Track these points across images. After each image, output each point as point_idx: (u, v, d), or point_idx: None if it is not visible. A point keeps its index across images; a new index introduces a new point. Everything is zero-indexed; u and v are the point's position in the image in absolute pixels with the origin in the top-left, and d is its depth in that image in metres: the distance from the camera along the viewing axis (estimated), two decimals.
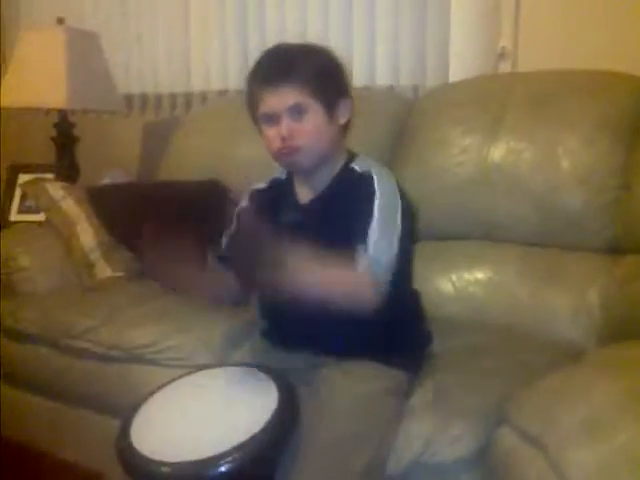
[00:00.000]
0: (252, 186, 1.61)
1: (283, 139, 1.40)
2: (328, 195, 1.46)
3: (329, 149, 1.44)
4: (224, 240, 1.60)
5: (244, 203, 1.60)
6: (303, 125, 1.39)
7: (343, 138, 1.49)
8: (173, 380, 1.43)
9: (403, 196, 1.42)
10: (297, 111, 1.39)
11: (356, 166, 1.45)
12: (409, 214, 1.41)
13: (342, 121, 1.45)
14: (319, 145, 1.42)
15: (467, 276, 1.94)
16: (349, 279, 1.34)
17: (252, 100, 1.44)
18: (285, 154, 1.42)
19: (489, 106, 2.00)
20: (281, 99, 1.39)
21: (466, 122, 2.02)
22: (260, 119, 1.44)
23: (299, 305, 1.32)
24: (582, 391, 1.19)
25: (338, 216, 1.41)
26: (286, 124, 1.39)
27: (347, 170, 1.46)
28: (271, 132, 1.41)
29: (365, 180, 1.40)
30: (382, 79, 2.51)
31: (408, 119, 2.19)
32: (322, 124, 1.41)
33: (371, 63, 2.52)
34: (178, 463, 1.19)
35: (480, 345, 1.67)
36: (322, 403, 1.35)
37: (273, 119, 1.41)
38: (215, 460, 1.17)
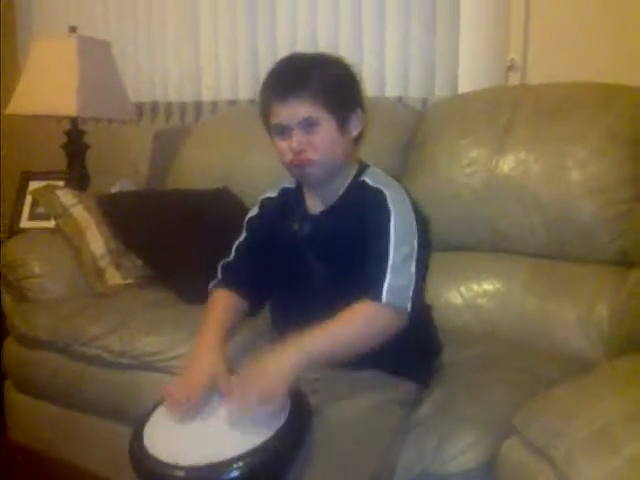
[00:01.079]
0: (262, 195, 1.62)
1: (295, 152, 1.40)
2: (339, 207, 1.47)
3: (341, 161, 1.44)
4: (234, 249, 1.61)
5: (254, 212, 1.61)
6: (315, 138, 1.39)
7: (355, 149, 1.49)
8: None
9: (415, 208, 1.42)
10: (309, 124, 1.39)
11: (368, 179, 1.45)
12: (423, 226, 1.42)
13: (354, 133, 1.45)
14: (331, 158, 1.42)
15: (476, 287, 1.94)
16: (376, 318, 1.34)
17: (264, 111, 1.45)
18: (297, 166, 1.42)
19: (498, 118, 2.01)
20: (292, 112, 1.39)
21: (475, 134, 2.02)
22: (272, 130, 1.44)
23: (312, 314, 1.34)
24: (591, 403, 1.19)
25: (349, 229, 1.41)
26: (297, 138, 1.39)
27: (358, 183, 1.46)
28: (283, 144, 1.42)
29: (379, 198, 1.40)
30: (391, 90, 2.51)
31: (417, 130, 2.20)
32: (334, 137, 1.41)
33: (380, 74, 2.52)
34: (191, 467, 1.19)
35: (489, 356, 1.67)
36: (330, 412, 1.34)
37: (285, 131, 1.41)
38: (228, 464, 1.17)
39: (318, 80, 1.39)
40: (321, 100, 1.38)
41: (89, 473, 1.46)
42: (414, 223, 1.40)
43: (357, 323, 1.34)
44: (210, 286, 1.60)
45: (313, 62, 1.44)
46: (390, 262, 1.34)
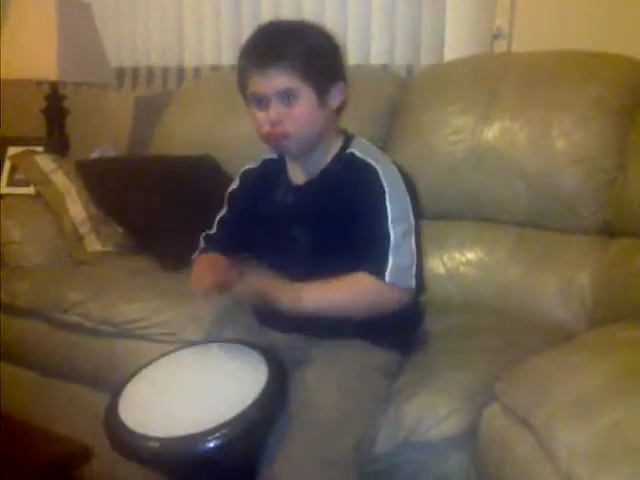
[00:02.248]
0: (243, 167, 1.60)
1: (272, 124, 1.37)
2: (325, 179, 1.45)
3: (320, 134, 1.42)
4: (216, 223, 1.60)
5: (235, 185, 1.60)
6: (293, 110, 1.36)
7: (336, 121, 1.47)
8: (162, 355, 1.43)
9: (405, 180, 1.41)
10: (287, 96, 1.35)
11: (356, 151, 1.43)
12: (414, 198, 1.41)
13: (334, 105, 1.42)
14: (309, 131, 1.39)
15: (458, 256, 1.94)
16: (376, 293, 1.35)
17: (241, 79, 1.40)
18: (274, 139, 1.40)
19: (483, 86, 1.99)
20: (271, 83, 1.35)
21: (460, 102, 2.01)
22: (249, 99, 1.41)
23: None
24: (572, 371, 1.20)
25: (338, 202, 1.40)
26: (275, 109, 1.36)
27: (346, 155, 1.44)
28: (260, 115, 1.38)
29: (370, 174, 1.39)
30: (376, 58, 2.49)
31: (402, 98, 2.18)
32: (314, 110, 1.38)
33: (366, 42, 2.50)
34: (166, 438, 1.18)
35: (471, 325, 1.68)
36: (311, 381, 1.35)
37: (262, 102, 1.37)
38: (204, 436, 1.17)
39: (298, 50, 1.35)
40: (300, 71, 1.34)
41: (70, 440, 1.45)
42: (408, 198, 1.39)
43: (357, 293, 1.36)
44: (193, 257, 1.59)
45: (294, 31, 1.40)
46: (392, 240, 1.34)
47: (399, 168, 1.43)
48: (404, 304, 1.37)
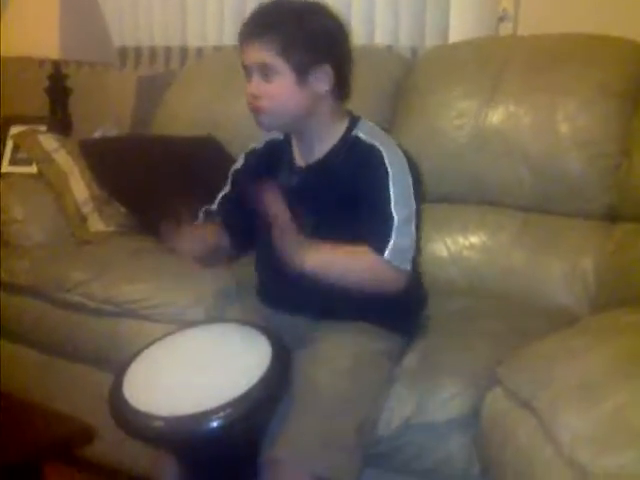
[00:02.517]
0: (248, 147, 1.59)
1: (252, 96, 1.39)
2: (329, 161, 1.44)
3: (301, 115, 1.41)
4: (217, 200, 1.59)
5: (239, 164, 1.59)
6: (270, 87, 1.37)
7: (335, 105, 1.45)
8: (166, 335, 1.43)
9: (409, 163, 1.41)
10: (265, 71, 1.36)
11: (361, 134, 1.43)
12: (417, 181, 1.41)
13: (320, 88, 1.40)
14: (284, 110, 1.39)
15: (462, 240, 1.94)
16: (376, 270, 1.35)
17: (239, 50, 1.42)
18: (253, 113, 1.41)
19: (488, 68, 1.98)
20: (250, 55, 1.38)
21: (464, 84, 2.00)
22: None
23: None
24: (575, 355, 1.20)
25: (343, 185, 1.40)
26: (255, 82, 1.38)
27: (351, 137, 1.43)
28: (247, 87, 1.40)
29: (375, 156, 1.38)
30: (381, 39, 2.47)
31: (406, 80, 2.16)
32: (290, 89, 1.37)
33: (370, 22, 2.47)
34: (171, 417, 1.19)
35: (474, 309, 1.68)
36: (315, 363, 1.35)
37: (248, 74, 1.40)
38: (208, 415, 1.17)
39: (283, 28, 1.36)
40: (279, 49, 1.35)
41: (72, 419, 1.45)
42: (411, 182, 1.39)
43: (356, 262, 1.36)
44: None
45: (290, 10, 1.39)
46: (395, 222, 1.34)
47: (404, 152, 1.43)
48: (400, 288, 1.36)
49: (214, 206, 1.60)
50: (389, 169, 1.36)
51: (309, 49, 1.37)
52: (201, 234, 1.49)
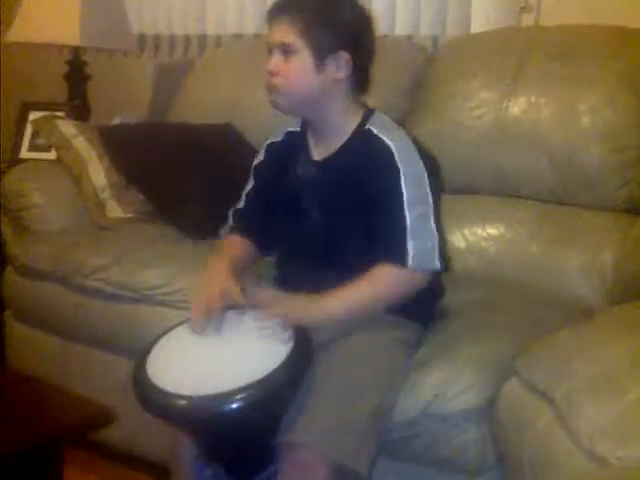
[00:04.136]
0: (267, 139, 1.60)
1: (269, 74, 1.40)
2: (343, 154, 1.44)
3: (313, 99, 1.41)
4: (243, 198, 1.60)
5: (261, 157, 1.60)
6: (288, 66, 1.38)
7: (351, 95, 1.45)
8: (189, 318, 1.42)
9: (424, 155, 1.40)
10: (285, 50, 1.38)
11: (373, 128, 1.42)
12: (433, 174, 1.41)
13: (337, 76, 1.40)
14: (297, 91, 1.40)
15: (480, 231, 1.93)
16: (399, 282, 1.36)
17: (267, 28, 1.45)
18: (268, 91, 1.42)
19: (509, 60, 1.97)
20: (275, 32, 1.40)
21: (485, 75, 1.99)
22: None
23: (321, 263, 1.39)
24: (593, 348, 1.21)
25: (352, 177, 1.40)
26: (274, 60, 1.39)
27: (364, 130, 1.43)
28: (267, 64, 1.41)
29: (385, 154, 1.38)
30: (402, 28, 2.46)
31: (426, 70, 2.16)
32: (305, 70, 1.38)
33: (391, 12, 2.46)
34: (194, 396, 1.20)
35: (491, 299, 1.68)
36: (334, 349, 1.36)
37: (270, 52, 1.41)
38: (231, 395, 1.18)
39: (307, 9, 1.38)
40: (299, 29, 1.37)
41: (91, 402, 1.46)
42: (425, 177, 1.38)
43: (380, 287, 1.36)
44: (221, 232, 1.61)
45: None
46: (408, 224, 1.34)
47: (420, 144, 1.43)
48: (426, 283, 1.38)
49: (241, 204, 1.60)
50: (400, 167, 1.36)
51: (329, 34, 1.39)
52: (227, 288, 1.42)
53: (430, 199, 1.37)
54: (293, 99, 1.41)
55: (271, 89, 1.41)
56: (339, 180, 1.42)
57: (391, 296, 1.38)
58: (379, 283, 1.36)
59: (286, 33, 1.37)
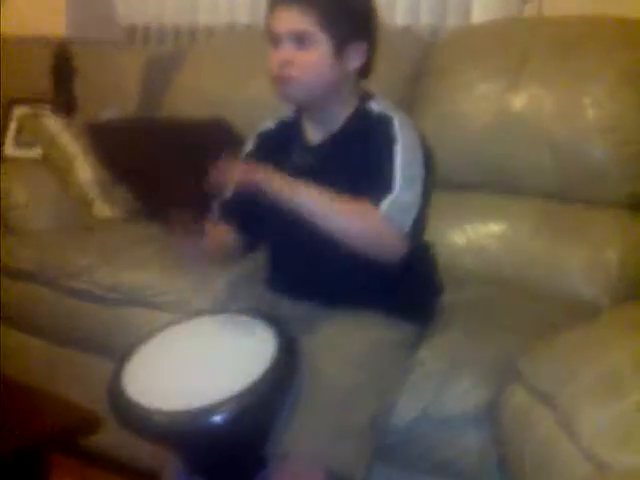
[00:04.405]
0: (258, 128, 1.55)
1: (280, 64, 1.34)
2: (342, 136, 1.41)
3: (329, 91, 1.37)
4: (229, 189, 1.55)
5: (250, 146, 1.55)
6: (304, 55, 1.33)
7: (355, 83, 1.42)
8: (169, 324, 1.40)
9: (423, 144, 1.37)
10: (301, 39, 1.32)
11: (373, 106, 1.39)
12: (428, 160, 1.37)
13: (353, 66, 1.37)
14: (316, 81, 1.35)
15: (481, 228, 1.91)
16: (372, 221, 1.29)
17: (266, 17, 1.38)
18: (279, 82, 1.36)
19: (512, 51, 1.95)
20: (285, 21, 1.34)
21: (487, 67, 1.97)
22: (270, 40, 1.38)
23: (313, 249, 1.32)
24: (597, 350, 1.19)
25: (354, 158, 1.36)
26: (287, 49, 1.34)
27: (363, 110, 1.40)
28: (273, 56, 1.36)
29: (384, 122, 1.35)
30: (401, 17, 2.42)
31: (426, 61, 2.12)
32: (325, 60, 1.34)
33: (391, 0, 2.42)
34: (172, 412, 1.16)
35: (492, 298, 1.66)
36: (324, 353, 1.32)
37: (277, 41, 1.35)
38: (212, 409, 1.14)
39: None
40: (319, 16, 1.32)
41: (78, 407, 1.45)
42: (420, 153, 1.35)
43: (352, 211, 1.31)
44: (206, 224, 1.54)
45: None
46: (397, 180, 1.29)
47: (420, 135, 1.39)
48: (397, 252, 1.31)
49: (227, 195, 1.55)
50: (398, 136, 1.32)
51: (350, 23, 1.35)
52: (213, 234, 1.43)
53: (422, 172, 1.33)
54: (308, 91, 1.36)
55: (282, 81, 1.35)
56: (338, 161, 1.38)
57: (356, 226, 1.30)
58: (353, 208, 1.30)
59: (300, 22, 1.32)
